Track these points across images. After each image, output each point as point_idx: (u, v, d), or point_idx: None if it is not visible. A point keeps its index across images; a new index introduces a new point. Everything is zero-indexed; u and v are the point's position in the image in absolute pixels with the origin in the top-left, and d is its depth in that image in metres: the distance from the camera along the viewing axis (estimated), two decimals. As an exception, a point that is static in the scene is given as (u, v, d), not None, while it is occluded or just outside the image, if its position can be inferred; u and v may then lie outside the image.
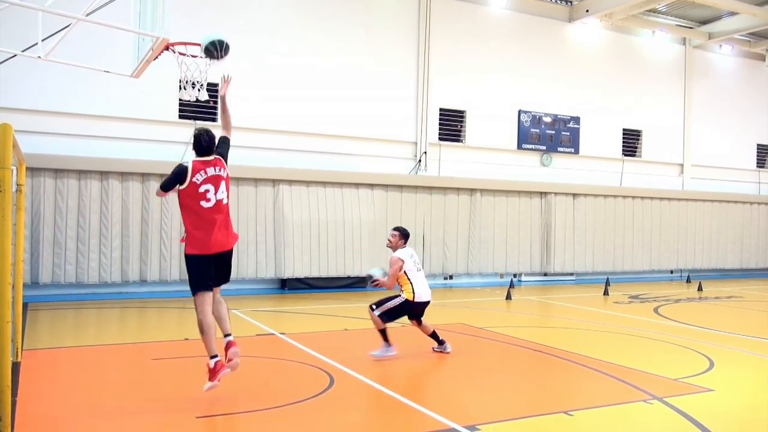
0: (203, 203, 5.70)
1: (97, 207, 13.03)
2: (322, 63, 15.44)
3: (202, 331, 5.69)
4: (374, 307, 7.78)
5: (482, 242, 17.01)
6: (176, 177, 5.71)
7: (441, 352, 8.05)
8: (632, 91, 19.70)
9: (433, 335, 8.06)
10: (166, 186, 5.79)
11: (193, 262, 5.75)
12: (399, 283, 7.90)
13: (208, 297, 5.73)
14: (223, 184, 5.83)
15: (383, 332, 7.79)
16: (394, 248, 8.01)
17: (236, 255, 14.15)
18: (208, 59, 6.15)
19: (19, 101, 12.56)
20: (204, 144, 5.83)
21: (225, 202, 5.86)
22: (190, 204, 5.72)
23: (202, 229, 5.70)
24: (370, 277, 7.91)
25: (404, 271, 7.85)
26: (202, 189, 5.69)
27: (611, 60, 19.45)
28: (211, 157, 5.85)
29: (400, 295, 7.85)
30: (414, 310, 7.91)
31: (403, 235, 8.08)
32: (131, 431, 5.09)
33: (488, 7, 17.56)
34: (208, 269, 5.76)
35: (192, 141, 5.97)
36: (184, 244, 5.80)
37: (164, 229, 13.53)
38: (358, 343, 9.25)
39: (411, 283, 7.84)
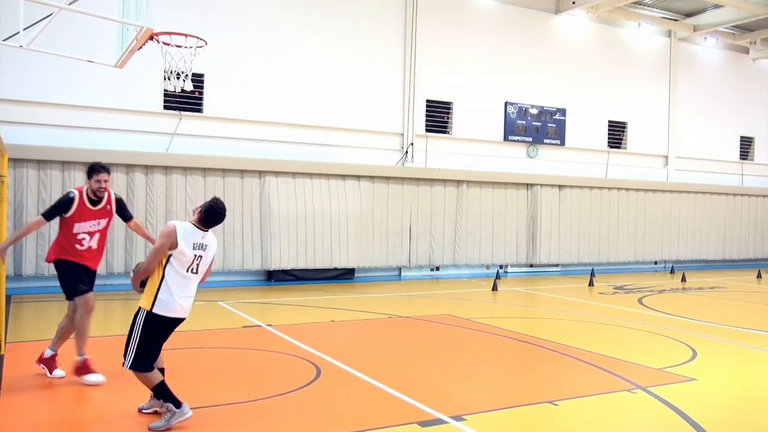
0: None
1: (81, 198, 12.90)
2: (309, 54, 15.35)
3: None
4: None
5: (469, 234, 17.06)
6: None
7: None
8: (618, 83, 19.77)
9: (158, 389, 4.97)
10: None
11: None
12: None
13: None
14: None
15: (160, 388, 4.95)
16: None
17: (222, 247, 14.16)
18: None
19: (1, 91, 12.39)
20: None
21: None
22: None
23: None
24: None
25: (171, 258, 4.90)
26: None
27: (597, 52, 19.50)
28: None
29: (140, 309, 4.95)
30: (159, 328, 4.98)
31: (204, 212, 5.03)
32: (114, 424, 5.07)
33: (475, -1, 17.55)
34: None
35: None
36: None
37: (149, 220, 13.43)
38: (345, 335, 9.28)
39: (164, 279, 4.88)
